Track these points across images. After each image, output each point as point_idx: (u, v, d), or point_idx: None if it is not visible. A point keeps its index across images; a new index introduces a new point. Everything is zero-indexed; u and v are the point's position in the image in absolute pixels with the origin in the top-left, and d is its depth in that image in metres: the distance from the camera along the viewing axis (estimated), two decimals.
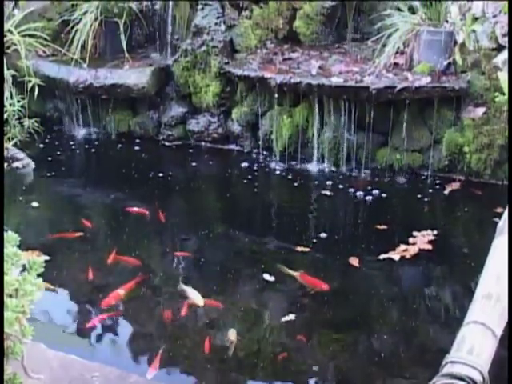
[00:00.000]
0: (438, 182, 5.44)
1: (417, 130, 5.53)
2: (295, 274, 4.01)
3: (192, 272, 4.22)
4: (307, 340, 3.47)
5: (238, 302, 3.83)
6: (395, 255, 4.24)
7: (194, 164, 5.97)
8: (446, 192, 5.26)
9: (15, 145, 5.82)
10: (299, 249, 4.37)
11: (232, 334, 3.48)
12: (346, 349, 3.46)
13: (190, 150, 6.23)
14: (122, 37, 6.35)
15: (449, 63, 5.43)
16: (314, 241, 4.56)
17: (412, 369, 3.31)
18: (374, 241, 4.56)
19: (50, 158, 5.96)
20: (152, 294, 3.92)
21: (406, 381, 3.28)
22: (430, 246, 4.37)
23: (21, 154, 5.75)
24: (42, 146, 6.21)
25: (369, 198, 5.17)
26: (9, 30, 6.18)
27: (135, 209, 4.94)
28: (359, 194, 5.24)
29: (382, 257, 4.23)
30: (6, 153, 5.64)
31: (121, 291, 3.78)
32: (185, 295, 3.77)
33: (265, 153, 6.00)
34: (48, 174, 5.66)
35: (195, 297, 3.72)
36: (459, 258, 4.41)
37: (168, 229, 4.84)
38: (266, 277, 4.00)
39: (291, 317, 3.62)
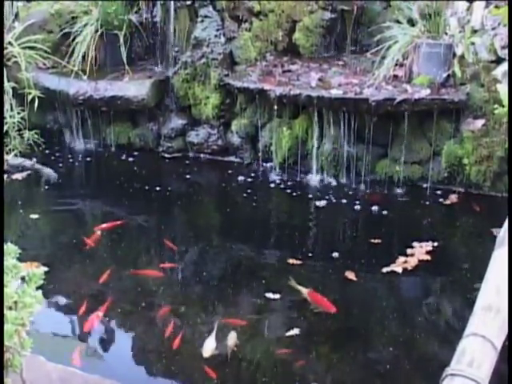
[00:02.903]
0: (437, 193, 5.44)
1: (416, 142, 5.53)
2: (304, 290, 3.94)
3: (191, 286, 4.23)
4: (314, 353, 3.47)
5: (240, 316, 3.79)
6: (397, 267, 4.23)
7: (192, 176, 5.97)
8: (446, 204, 5.26)
9: (15, 156, 5.84)
10: (300, 262, 4.36)
11: (232, 338, 3.45)
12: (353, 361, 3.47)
13: (190, 162, 6.23)
14: (122, 49, 6.38)
15: (448, 75, 5.44)
16: (315, 254, 4.56)
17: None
18: (375, 253, 4.54)
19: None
20: (151, 306, 3.91)
21: None
22: (428, 257, 4.37)
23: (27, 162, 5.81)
24: (41, 157, 6.21)
25: (368, 209, 5.17)
26: (9, 43, 6.21)
27: (104, 225, 4.83)
28: (358, 205, 5.24)
29: (384, 270, 4.23)
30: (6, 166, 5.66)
31: (99, 313, 3.73)
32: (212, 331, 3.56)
33: (264, 164, 6.00)
34: (47, 186, 5.66)
35: (207, 346, 3.42)
36: (458, 268, 4.41)
37: (164, 241, 4.85)
38: (269, 295, 3.94)
39: (296, 331, 3.59)
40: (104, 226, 4.83)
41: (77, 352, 3.35)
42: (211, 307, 3.90)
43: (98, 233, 4.71)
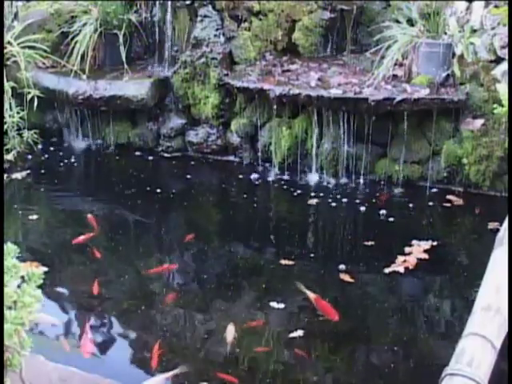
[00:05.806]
0: (436, 193, 5.44)
1: (416, 141, 5.53)
2: (311, 295, 3.89)
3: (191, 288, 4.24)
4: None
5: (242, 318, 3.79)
6: (398, 267, 4.23)
7: (192, 175, 5.97)
8: (445, 203, 5.26)
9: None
10: (303, 262, 4.36)
11: (230, 332, 3.43)
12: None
13: (189, 162, 6.22)
14: (122, 48, 6.37)
15: (447, 75, 5.44)
16: (315, 255, 4.57)
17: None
18: (375, 253, 4.54)
19: (49, 170, 5.96)
20: (150, 309, 3.91)
21: None
22: (427, 256, 4.37)
23: None
24: (40, 157, 6.21)
25: (367, 209, 5.17)
26: (8, 42, 6.20)
27: (81, 237, 4.68)
28: (357, 205, 5.24)
29: (387, 270, 4.23)
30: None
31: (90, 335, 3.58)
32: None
33: (264, 164, 6.00)
34: (44, 188, 5.65)
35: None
36: (457, 267, 4.42)
37: (164, 241, 4.84)
38: (273, 304, 3.91)
39: (299, 332, 3.58)
40: (81, 238, 4.66)
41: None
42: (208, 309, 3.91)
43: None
